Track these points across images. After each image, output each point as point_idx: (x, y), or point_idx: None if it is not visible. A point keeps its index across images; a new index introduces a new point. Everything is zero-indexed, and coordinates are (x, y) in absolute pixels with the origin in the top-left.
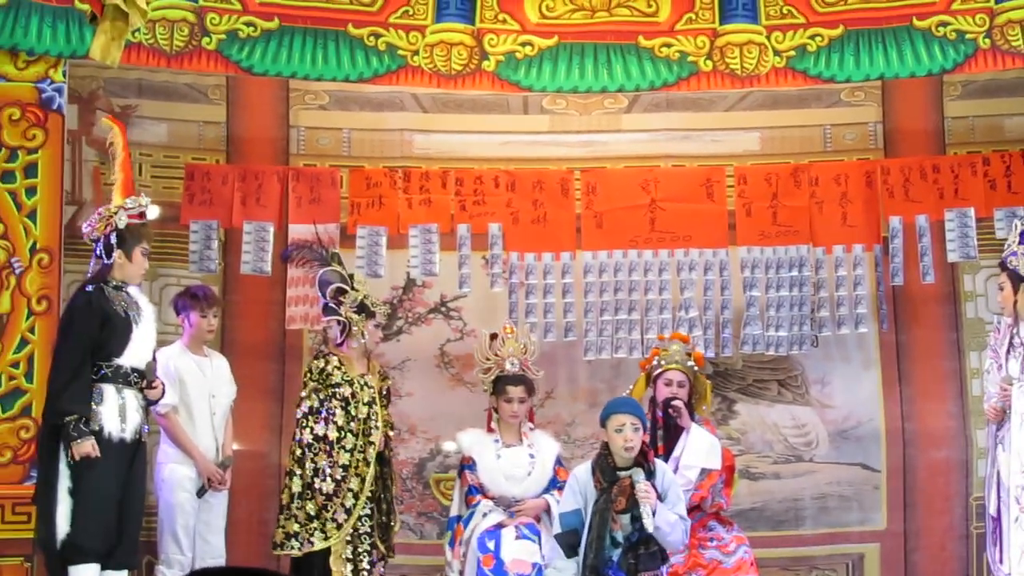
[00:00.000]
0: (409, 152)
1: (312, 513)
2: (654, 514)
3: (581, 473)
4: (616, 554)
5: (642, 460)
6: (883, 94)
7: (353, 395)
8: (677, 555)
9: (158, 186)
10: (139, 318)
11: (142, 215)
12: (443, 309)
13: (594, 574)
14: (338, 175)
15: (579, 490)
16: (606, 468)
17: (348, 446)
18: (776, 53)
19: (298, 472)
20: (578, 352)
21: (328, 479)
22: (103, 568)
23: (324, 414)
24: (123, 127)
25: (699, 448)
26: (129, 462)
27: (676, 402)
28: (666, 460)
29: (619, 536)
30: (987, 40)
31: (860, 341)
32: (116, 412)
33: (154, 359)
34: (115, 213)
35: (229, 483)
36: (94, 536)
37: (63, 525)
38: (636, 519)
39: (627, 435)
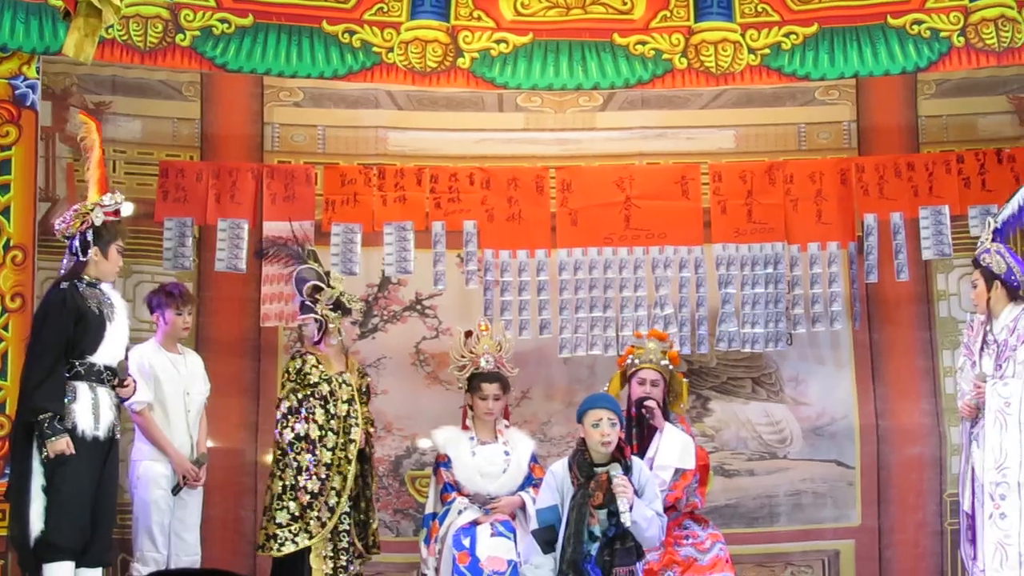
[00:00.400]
0: (384, 149)
1: (296, 513)
2: (631, 508)
3: (558, 469)
4: (594, 548)
5: (619, 456)
6: (857, 92)
7: (332, 393)
8: (652, 552)
9: (132, 183)
10: (113, 315)
11: (117, 212)
12: (418, 307)
13: (572, 569)
14: (313, 172)
15: (556, 486)
16: (583, 463)
17: (330, 444)
18: (751, 51)
19: (278, 473)
20: (553, 350)
21: (313, 477)
22: (77, 566)
23: (304, 413)
24: (98, 123)
25: (672, 448)
26: (103, 460)
27: (649, 402)
28: (640, 458)
29: (596, 531)
30: (961, 38)
31: (834, 339)
32: (89, 410)
33: (126, 357)
34: (91, 210)
35: (204, 480)
36: (68, 534)
37: (37, 523)
38: (613, 514)
39: (604, 430)
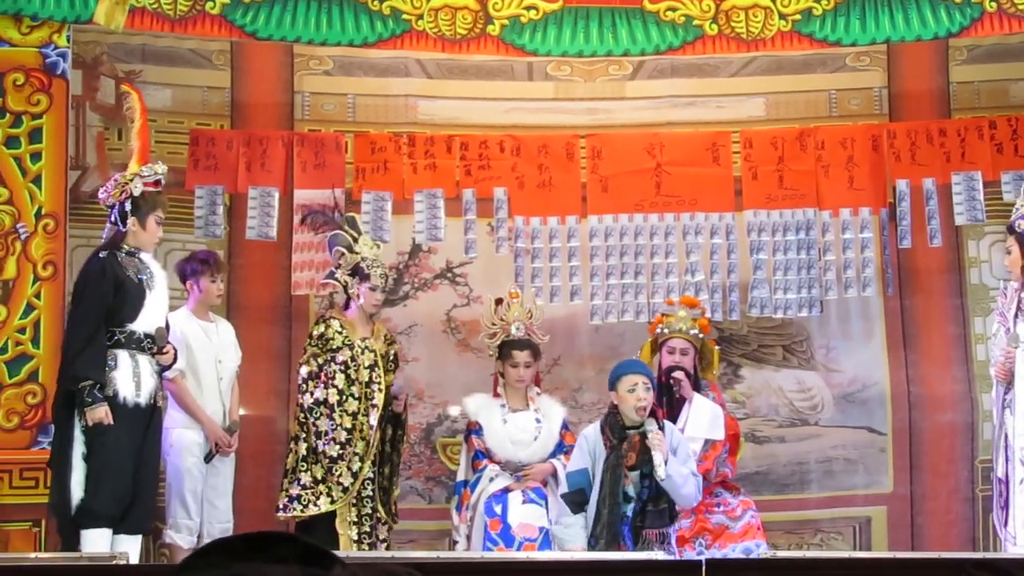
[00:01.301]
0: (414, 118)
1: (318, 477)
2: (666, 463)
3: (590, 433)
4: (629, 510)
5: (653, 416)
6: (888, 59)
7: (353, 359)
8: (684, 519)
9: (162, 151)
10: (152, 284)
11: (157, 183)
12: (449, 275)
13: (608, 530)
14: (343, 140)
15: (588, 450)
16: (615, 426)
17: (351, 409)
18: (781, 17)
19: (302, 436)
20: (584, 317)
21: (332, 443)
22: (116, 532)
23: (324, 378)
24: (140, 94)
25: (702, 419)
26: (144, 427)
27: (677, 373)
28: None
29: (631, 491)
30: (993, 3)
31: (865, 306)
32: (130, 377)
33: (167, 325)
34: (131, 180)
35: (236, 447)
36: (107, 501)
37: (77, 490)
38: (646, 476)
39: (639, 394)
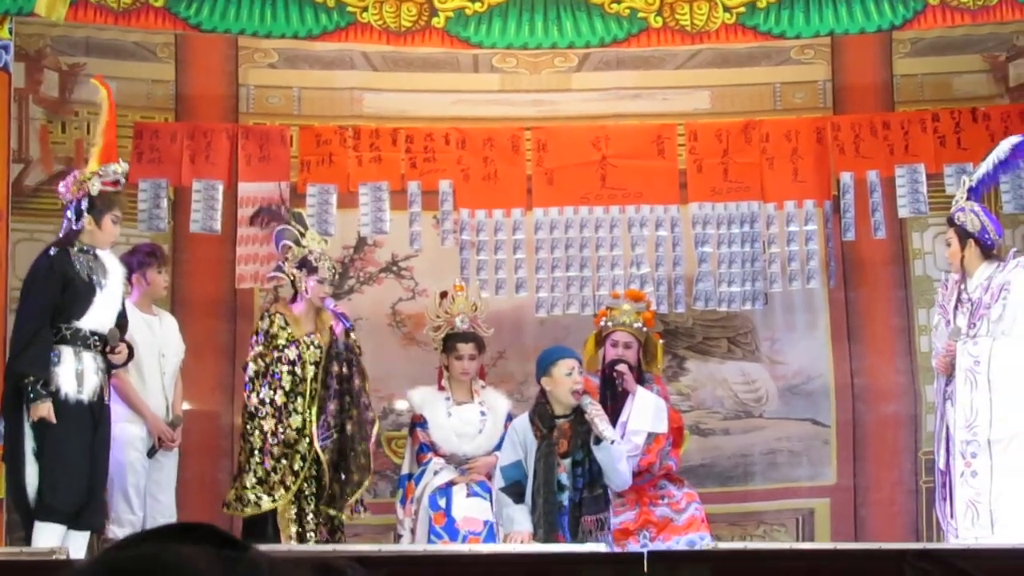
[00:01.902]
0: (359, 111)
1: (261, 475)
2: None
3: (519, 425)
4: (564, 498)
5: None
6: (832, 51)
7: (299, 356)
8: (628, 511)
9: None
10: (104, 282)
11: (116, 183)
12: (394, 268)
13: (547, 520)
14: (288, 133)
15: (518, 441)
16: (545, 415)
17: (298, 408)
18: (726, 9)
19: (248, 434)
20: (529, 310)
21: (277, 442)
22: (70, 528)
23: (269, 377)
24: (110, 89)
25: (645, 412)
26: (93, 425)
27: (620, 366)
28: (613, 423)
29: (564, 479)
30: None
31: (810, 298)
32: (73, 374)
33: (124, 322)
34: (89, 179)
35: (179, 442)
36: (61, 497)
37: (31, 485)
38: (578, 463)
39: (576, 378)
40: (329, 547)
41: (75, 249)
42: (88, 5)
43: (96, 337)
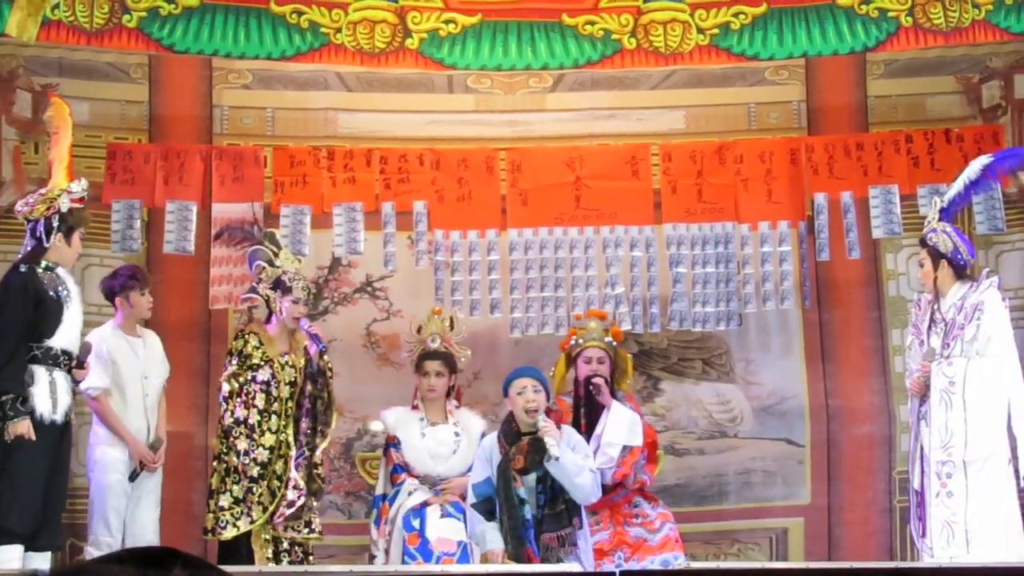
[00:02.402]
0: (334, 131)
1: (238, 496)
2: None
3: (487, 443)
4: (527, 511)
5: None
6: (807, 72)
7: (274, 376)
8: (602, 531)
9: (80, 165)
10: (69, 299)
11: (82, 199)
12: (369, 289)
13: (513, 536)
14: (262, 154)
15: (486, 459)
16: (510, 433)
17: (273, 428)
18: (700, 31)
19: (223, 456)
20: (504, 331)
21: (252, 463)
22: (27, 550)
23: (244, 398)
24: (69, 107)
25: (620, 425)
26: (58, 445)
27: (596, 379)
28: (588, 438)
29: (523, 493)
30: (909, 18)
31: (784, 319)
32: (47, 394)
33: (87, 341)
34: (58, 196)
35: (161, 463)
36: (20, 518)
37: None
38: (540, 480)
39: (528, 396)
40: (300, 569)
41: (41, 267)
42: (61, 25)
43: (66, 356)
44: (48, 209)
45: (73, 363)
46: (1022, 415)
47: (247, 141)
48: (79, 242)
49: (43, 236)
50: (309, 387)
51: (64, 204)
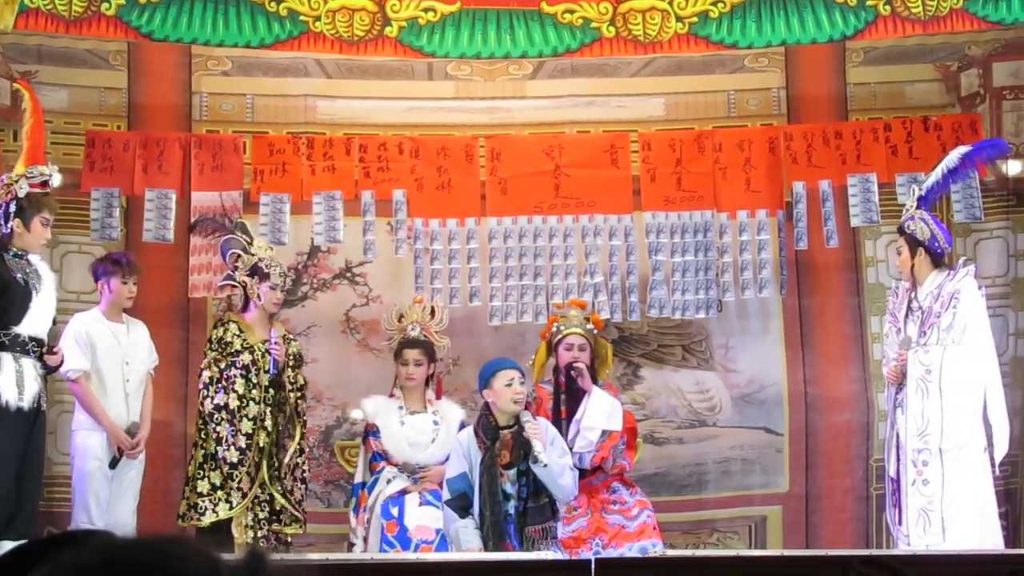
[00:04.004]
0: (313, 118)
1: (217, 482)
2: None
3: (463, 437)
4: (510, 507)
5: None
6: (786, 60)
7: (254, 362)
8: (580, 518)
9: (58, 153)
10: (39, 286)
11: (44, 184)
12: (348, 275)
13: (495, 531)
14: (241, 142)
15: (463, 453)
16: (488, 427)
17: (251, 414)
18: (679, 19)
19: (200, 442)
20: (483, 319)
21: (232, 448)
22: (1, 538)
23: (224, 383)
24: (33, 92)
25: (600, 410)
26: (27, 431)
27: (578, 364)
28: (568, 425)
29: (509, 488)
30: (887, 7)
31: (763, 306)
32: (14, 380)
33: (54, 325)
34: (16, 181)
35: (142, 449)
36: None
37: None
38: (523, 474)
39: (516, 388)
40: (277, 556)
41: (9, 255)
42: (40, 13)
43: (34, 342)
44: (7, 195)
45: (43, 350)
46: (998, 403)
47: (226, 128)
48: (42, 228)
49: (2, 222)
50: (288, 374)
51: (22, 189)
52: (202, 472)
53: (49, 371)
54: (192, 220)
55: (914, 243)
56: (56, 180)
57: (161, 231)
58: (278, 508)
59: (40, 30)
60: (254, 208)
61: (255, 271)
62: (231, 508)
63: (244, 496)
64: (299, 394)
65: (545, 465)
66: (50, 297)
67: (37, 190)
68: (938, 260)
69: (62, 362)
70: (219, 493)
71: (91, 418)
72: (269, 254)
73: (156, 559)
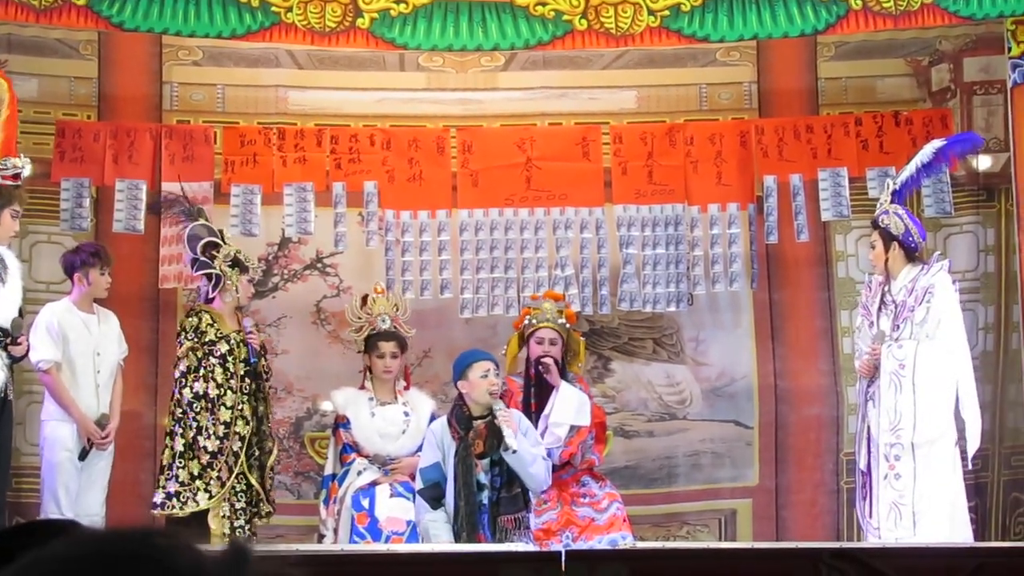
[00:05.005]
0: (284, 108)
1: (196, 472)
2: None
3: (436, 427)
4: (484, 498)
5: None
6: (758, 54)
7: (230, 351)
8: (550, 511)
9: (28, 142)
10: (5, 276)
11: (16, 176)
12: (319, 266)
13: (468, 522)
14: (211, 132)
15: (436, 444)
16: (462, 417)
17: (229, 403)
18: (650, 12)
19: (179, 431)
20: (454, 311)
21: (211, 437)
22: None
23: (203, 372)
24: (11, 83)
25: (568, 405)
26: None
27: (546, 359)
28: (538, 418)
29: (483, 478)
30: (859, 1)
31: (734, 299)
32: None
33: (21, 315)
34: None
35: (111, 440)
36: None
37: None
38: (495, 463)
39: (492, 379)
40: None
41: None
42: (9, 2)
43: (1, 332)
44: None
45: (8, 340)
46: (970, 398)
47: (197, 118)
48: (12, 220)
49: None
50: (262, 363)
51: None
52: (181, 462)
53: (14, 361)
54: (155, 203)
55: (889, 237)
56: (27, 172)
57: (131, 221)
58: (255, 499)
59: (10, 19)
60: (224, 199)
61: (236, 263)
62: (210, 498)
63: (223, 486)
64: (267, 384)
65: (515, 452)
66: (16, 287)
67: (9, 182)
68: (912, 254)
69: (28, 352)
70: (198, 483)
71: (61, 409)
72: (236, 244)
73: (148, 551)
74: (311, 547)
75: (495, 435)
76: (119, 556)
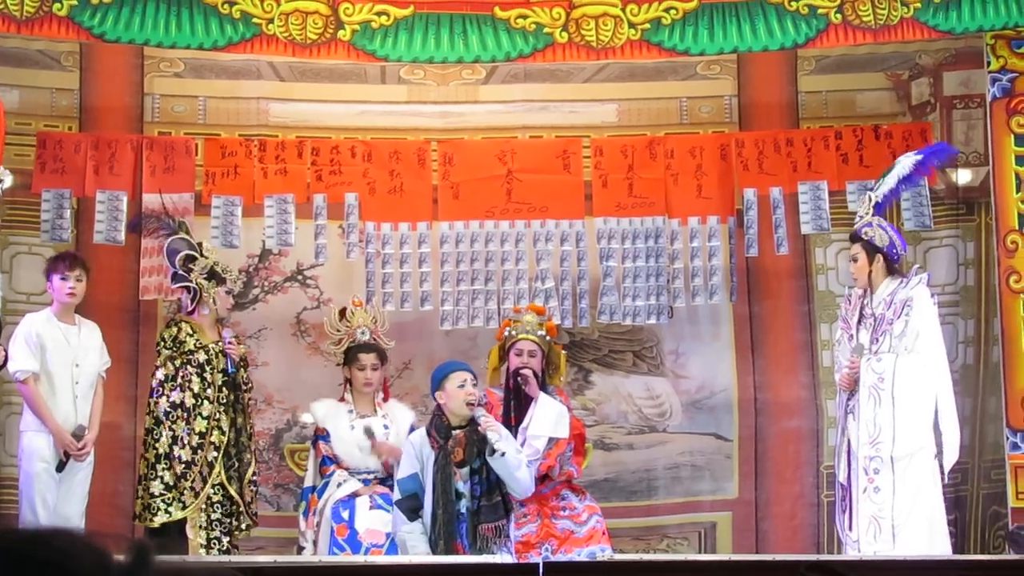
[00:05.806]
0: (265, 120)
1: (170, 482)
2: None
3: (416, 438)
4: (462, 506)
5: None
6: (738, 68)
7: (208, 362)
8: (529, 524)
9: (9, 153)
10: None
11: None
12: (299, 277)
13: (446, 531)
14: (193, 144)
15: (415, 454)
16: (441, 427)
17: (205, 413)
18: (631, 26)
19: (152, 442)
20: (435, 323)
21: (187, 447)
22: None
23: (180, 381)
24: None
25: (546, 417)
26: None
27: (525, 371)
28: (517, 431)
29: (462, 487)
30: (839, 15)
31: (714, 312)
32: None
33: (0, 325)
34: None
35: (90, 452)
36: None
37: None
38: (475, 472)
39: (469, 389)
40: (225, 558)
41: None
42: None
43: None
44: None
45: None
46: (949, 411)
47: (178, 129)
48: None
49: None
50: (241, 374)
51: None
52: (154, 472)
53: None
54: (134, 219)
55: (872, 249)
56: (8, 183)
57: (112, 233)
58: (235, 510)
59: None
60: (205, 210)
61: (212, 275)
62: (184, 508)
63: (197, 496)
64: (248, 396)
65: (503, 454)
66: None
67: None
68: (893, 267)
69: (5, 362)
70: (172, 493)
71: (38, 420)
72: (216, 256)
73: (43, 552)
74: (291, 559)
75: (475, 443)
76: (19, 559)
